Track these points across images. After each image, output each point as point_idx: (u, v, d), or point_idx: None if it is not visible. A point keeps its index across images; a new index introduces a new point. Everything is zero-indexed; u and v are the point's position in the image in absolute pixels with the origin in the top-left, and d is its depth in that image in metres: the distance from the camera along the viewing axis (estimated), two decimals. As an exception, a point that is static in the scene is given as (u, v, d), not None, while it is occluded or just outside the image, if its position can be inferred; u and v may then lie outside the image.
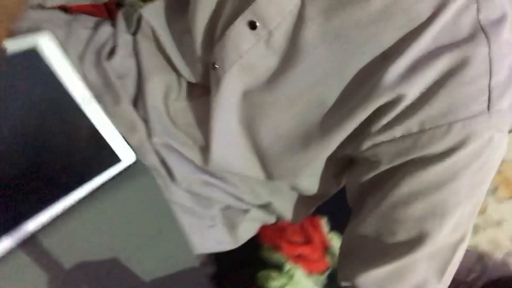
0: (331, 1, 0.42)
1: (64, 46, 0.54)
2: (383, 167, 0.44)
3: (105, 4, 0.72)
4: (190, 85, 0.58)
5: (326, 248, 0.79)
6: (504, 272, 0.94)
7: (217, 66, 0.48)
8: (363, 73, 0.42)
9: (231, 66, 0.47)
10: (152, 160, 0.55)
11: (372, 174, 0.46)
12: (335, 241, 0.82)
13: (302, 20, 0.43)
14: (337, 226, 0.85)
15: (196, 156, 0.56)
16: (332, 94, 0.44)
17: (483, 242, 0.98)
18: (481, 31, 0.40)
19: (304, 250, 0.75)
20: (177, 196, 0.56)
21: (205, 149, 0.54)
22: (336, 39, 0.42)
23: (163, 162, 0.56)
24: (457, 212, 0.43)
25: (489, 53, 0.39)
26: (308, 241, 0.77)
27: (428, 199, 0.42)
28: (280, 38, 0.45)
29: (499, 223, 0.96)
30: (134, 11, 0.59)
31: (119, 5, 0.69)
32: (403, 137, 0.41)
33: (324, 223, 0.83)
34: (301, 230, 0.78)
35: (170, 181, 0.56)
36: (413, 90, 0.40)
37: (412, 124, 0.41)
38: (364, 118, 0.43)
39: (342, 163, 0.51)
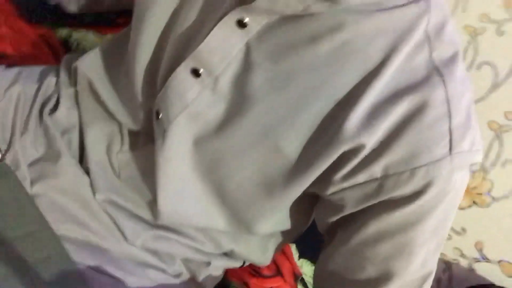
0: (277, 45, 0.41)
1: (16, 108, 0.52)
2: (349, 211, 0.44)
3: (49, 46, 0.69)
4: (133, 134, 0.56)
5: (297, 277, 0.77)
6: (471, 279, 0.96)
7: (161, 116, 0.46)
8: (320, 120, 0.41)
9: (177, 116, 0.45)
10: (102, 219, 0.52)
11: (338, 216, 0.46)
12: (305, 268, 0.81)
13: (248, 65, 0.42)
14: (307, 251, 0.84)
15: (144, 212, 0.53)
16: (288, 143, 0.42)
17: (449, 251, 1.00)
18: (436, 72, 0.40)
19: (274, 283, 0.73)
20: (135, 254, 0.53)
21: (153, 204, 0.51)
22: (286, 84, 0.41)
23: (112, 220, 0.53)
24: (424, 250, 0.43)
25: (446, 95, 0.39)
26: (277, 273, 0.75)
27: (395, 239, 0.43)
28: (226, 84, 0.43)
29: (462, 231, 0.98)
30: (76, 59, 0.56)
31: (66, 44, 0.67)
32: (366, 182, 0.41)
33: (293, 250, 0.82)
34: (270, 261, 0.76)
35: (123, 240, 0.53)
36: (373, 139, 0.39)
37: (375, 170, 0.41)
38: (326, 167, 0.42)
39: (309, 200, 0.51)
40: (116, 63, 0.54)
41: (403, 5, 0.39)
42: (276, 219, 0.51)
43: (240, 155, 0.44)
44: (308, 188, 0.45)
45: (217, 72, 0.43)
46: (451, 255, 0.99)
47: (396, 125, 0.39)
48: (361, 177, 0.41)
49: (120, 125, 0.56)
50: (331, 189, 0.43)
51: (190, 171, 0.48)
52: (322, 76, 0.40)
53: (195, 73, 0.43)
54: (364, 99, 0.39)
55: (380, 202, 0.42)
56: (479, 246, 0.95)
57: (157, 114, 0.46)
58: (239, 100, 0.43)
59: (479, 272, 0.96)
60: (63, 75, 0.57)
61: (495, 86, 0.88)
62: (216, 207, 0.50)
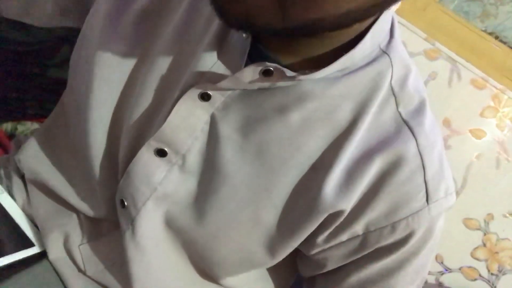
0: (244, 116, 0.40)
1: None
2: (332, 267, 0.45)
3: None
4: (94, 221, 0.51)
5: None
6: (440, 292, 0.99)
7: (127, 204, 0.43)
8: (297, 187, 0.41)
9: (144, 202, 0.42)
10: None
11: (321, 271, 0.47)
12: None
13: (216, 138, 0.40)
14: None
15: None
16: (266, 214, 0.42)
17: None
18: (404, 125, 0.40)
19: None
20: None
21: None
22: (257, 156, 0.40)
23: None
24: None
25: (417, 148, 0.40)
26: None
27: (378, 284, 0.44)
28: (195, 160, 0.41)
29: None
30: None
31: (13, 138, 0.68)
32: (349, 240, 0.42)
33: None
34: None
35: None
36: (352, 203, 0.40)
37: (357, 229, 0.41)
38: (307, 234, 0.42)
39: (293, 257, 0.50)
40: (61, 147, 0.51)
41: (367, 64, 0.39)
42: (259, 278, 0.51)
43: (218, 231, 0.43)
44: (292, 253, 0.45)
45: (184, 149, 0.41)
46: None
47: (373, 184, 0.40)
48: (344, 236, 0.42)
49: (77, 213, 0.51)
50: (314, 250, 0.44)
51: (169, 255, 0.46)
52: (294, 144, 0.40)
53: (160, 153, 0.41)
54: (338, 163, 0.39)
55: (363, 255, 0.43)
56: (439, 259, 1.00)
57: (122, 202, 0.43)
58: (210, 175, 0.41)
59: (446, 283, 0.99)
60: (13, 168, 0.54)
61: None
62: (198, 279, 0.49)
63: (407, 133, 0.40)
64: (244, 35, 0.38)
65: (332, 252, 0.44)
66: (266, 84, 0.38)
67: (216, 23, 0.41)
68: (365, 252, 0.43)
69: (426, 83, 0.95)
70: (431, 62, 0.94)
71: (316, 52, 0.38)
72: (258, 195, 0.41)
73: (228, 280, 0.48)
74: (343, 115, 0.40)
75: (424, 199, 0.40)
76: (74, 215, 0.51)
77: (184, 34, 0.42)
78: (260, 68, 0.37)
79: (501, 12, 0.96)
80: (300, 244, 0.43)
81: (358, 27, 0.36)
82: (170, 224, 0.44)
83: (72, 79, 0.48)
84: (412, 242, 0.42)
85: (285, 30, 0.31)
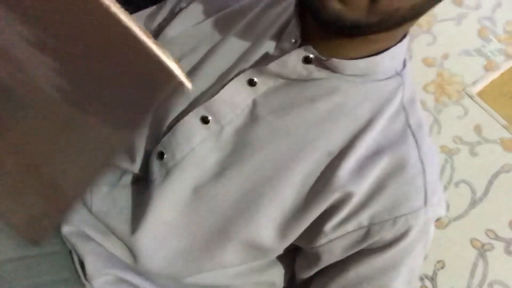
0: (281, 103, 0.47)
1: None
2: (334, 259, 0.48)
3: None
4: (116, 171, 0.56)
5: None
6: None
7: (166, 157, 0.49)
8: (314, 169, 0.46)
9: (182, 158, 0.48)
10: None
11: (322, 266, 0.49)
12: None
13: (254, 118, 0.47)
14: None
15: (114, 247, 0.53)
16: (285, 190, 0.46)
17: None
18: (411, 136, 0.46)
19: None
20: None
21: (130, 241, 0.52)
22: (286, 135, 0.47)
23: (76, 255, 0.53)
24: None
25: (420, 155, 0.46)
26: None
27: (374, 282, 0.47)
28: (231, 133, 0.48)
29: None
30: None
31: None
32: (355, 230, 0.46)
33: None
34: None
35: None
36: (361, 188, 0.44)
37: (362, 219, 0.45)
38: (318, 214, 0.46)
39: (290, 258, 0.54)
40: None
41: (384, 79, 0.48)
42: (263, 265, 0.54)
43: (237, 205, 0.47)
44: (299, 239, 0.48)
45: (225, 121, 0.48)
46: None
47: (380, 177, 0.45)
48: (350, 226, 0.45)
49: None
50: (322, 240, 0.46)
51: (178, 219, 0.49)
52: (319, 131, 0.46)
53: (204, 120, 0.48)
54: (354, 152, 0.45)
55: (362, 249, 0.46)
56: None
57: (161, 155, 0.49)
58: (241, 149, 0.47)
59: None
60: None
61: (473, 203, 0.89)
62: (198, 252, 0.50)
63: (413, 142, 0.46)
64: (293, 39, 0.46)
65: (338, 243, 0.46)
66: (304, 72, 0.46)
67: (283, 19, 0.50)
68: (365, 245, 0.46)
69: (496, 174, 0.86)
70: (507, 153, 0.86)
71: (352, 55, 0.45)
72: (281, 171, 0.46)
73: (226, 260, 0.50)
74: (363, 113, 0.46)
75: (423, 200, 0.45)
76: None
77: (254, 27, 0.51)
78: (303, 54, 0.45)
79: None
80: (310, 233, 0.46)
81: (386, 43, 0.45)
82: (196, 187, 0.48)
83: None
84: (408, 239, 0.45)
85: (366, 26, 0.39)
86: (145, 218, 0.49)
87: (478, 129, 0.92)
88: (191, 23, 0.56)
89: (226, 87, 0.48)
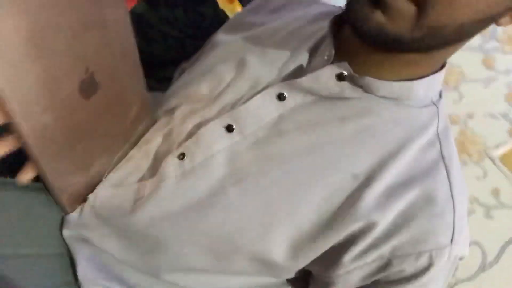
0: (308, 119, 0.46)
1: None
2: (351, 287, 0.46)
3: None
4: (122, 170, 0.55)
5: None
6: None
7: (185, 158, 0.48)
8: (336, 191, 0.44)
9: (201, 162, 0.48)
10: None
11: None
12: None
13: (278, 132, 0.46)
14: None
15: (111, 245, 0.52)
16: (303, 207, 0.44)
17: None
18: (444, 169, 0.44)
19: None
20: None
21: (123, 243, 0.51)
22: (310, 153, 0.45)
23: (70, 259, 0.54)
24: None
25: (451, 190, 0.43)
26: None
27: None
28: (252, 144, 0.47)
29: None
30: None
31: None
32: (374, 261, 0.43)
33: None
34: None
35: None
36: (385, 218, 0.42)
37: (384, 251, 0.43)
38: (337, 241, 0.44)
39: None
40: None
41: (419, 107, 0.45)
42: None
43: (254, 215, 0.45)
44: (313, 265, 0.46)
45: (248, 132, 0.47)
46: None
47: (407, 209, 0.42)
48: (370, 257, 0.43)
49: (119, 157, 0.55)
50: (339, 271, 0.45)
51: (183, 224, 0.48)
52: (345, 152, 0.44)
53: (228, 128, 0.47)
54: (382, 179, 0.42)
55: (379, 279, 0.44)
56: None
57: (181, 155, 0.49)
58: (261, 161, 0.46)
59: None
60: None
61: (483, 267, 0.87)
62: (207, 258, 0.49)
63: (445, 176, 0.44)
64: (326, 56, 0.45)
65: (353, 273, 0.45)
66: (336, 89, 0.45)
67: (318, 36, 0.49)
68: (383, 275, 0.44)
69: (510, 241, 0.84)
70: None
71: (388, 76, 0.44)
72: (301, 189, 0.44)
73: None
74: (393, 139, 0.44)
75: (450, 238, 0.42)
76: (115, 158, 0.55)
77: (287, 42, 0.51)
78: (337, 70, 0.44)
79: None
80: (328, 262, 0.45)
81: (424, 67, 0.44)
82: (209, 194, 0.47)
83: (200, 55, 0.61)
84: (428, 276, 0.43)
85: (409, 41, 0.37)
86: (148, 212, 0.48)
87: (496, 192, 0.91)
88: (229, 37, 0.56)
89: (254, 99, 0.47)
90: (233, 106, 0.49)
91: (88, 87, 0.41)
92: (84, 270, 0.53)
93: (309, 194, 0.44)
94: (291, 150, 0.45)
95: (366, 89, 0.44)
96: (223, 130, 0.47)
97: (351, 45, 0.45)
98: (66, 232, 0.53)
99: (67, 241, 0.53)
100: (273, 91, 0.47)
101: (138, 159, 0.53)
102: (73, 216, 0.52)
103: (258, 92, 0.47)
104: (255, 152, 0.46)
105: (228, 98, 0.50)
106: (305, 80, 0.45)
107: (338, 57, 0.45)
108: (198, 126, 0.49)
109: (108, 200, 0.51)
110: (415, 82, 0.44)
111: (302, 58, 0.49)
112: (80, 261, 0.53)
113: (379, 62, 0.44)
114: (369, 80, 0.43)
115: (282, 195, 0.45)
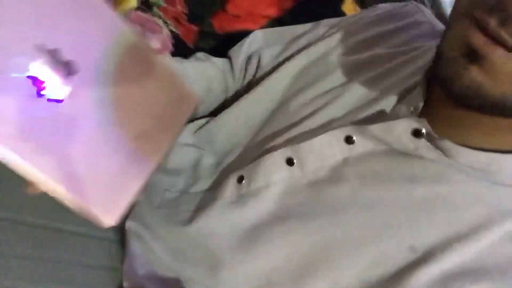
0: (374, 170, 0.42)
1: None
2: None
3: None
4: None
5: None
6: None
7: (243, 182, 0.48)
8: (385, 259, 0.39)
9: (256, 189, 0.47)
10: None
11: None
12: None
13: (337, 176, 0.43)
14: None
15: (163, 253, 0.52)
16: (342, 268, 0.40)
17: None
18: None
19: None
20: None
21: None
22: (367, 209, 0.41)
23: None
24: None
25: None
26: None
27: None
28: (308, 183, 0.45)
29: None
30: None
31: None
32: None
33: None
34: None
35: None
36: None
37: None
38: None
39: None
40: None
41: (509, 186, 0.37)
42: None
43: (290, 258, 0.43)
44: None
45: (307, 170, 0.45)
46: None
47: None
48: None
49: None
50: None
51: (224, 247, 0.47)
52: (406, 218, 0.39)
53: (289, 161, 0.45)
54: (441, 261, 0.36)
55: None
56: None
57: (240, 179, 0.48)
58: (312, 203, 0.43)
59: None
60: None
61: None
62: None
63: None
64: (412, 107, 0.41)
65: None
66: (410, 146, 0.40)
67: (411, 81, 0.44)
68: None
69: None
70: None
71: (475, 142, 0.38)
72: (347, 246, 0.40)
73: None
74: (470, 218, 0.37)
75: None
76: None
77: (381, 81, 0.47)
78: (413, 125, 0.39)
79: None
80: None
81: None
82: (255, 224, 0.46)
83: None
84: None
85: (498, 102, 0.32)
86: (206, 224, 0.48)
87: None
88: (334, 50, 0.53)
89: (320, 137, 0.44)
90: (300, 138, 0.47)
91: None
92: (129, 263, 0.54)
93: (356, 254, 0.39)
94: (347, 200, 0.41)
95: (445, 153, 0.38)
96: (284, 161, 0.46)
97: (438, 99, 0.40)
98: (129, 223, 0.55)
99: (127, 231, 0.55)
100: (342, 133, 0.43)
101: None
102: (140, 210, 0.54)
103: (326, 130, 0.44)
104: (309, 192, 0.44)
105: (302, 127, 0.48)
106: (376, 129, 0.41)
107: (423, 109, 0.41)
108: (267, 151, 0.48)
109: (169, 203, 0.54)
110: (508, 156, 0.37)
111: (387, 104, 0.44)
112: (129, 252, 0.54)
113: (466, 125, 0.38)
114: (448, 145, 0.38)
115: (326, 245, 0.41)
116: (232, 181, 0.49)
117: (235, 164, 0.53)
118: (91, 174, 0.35)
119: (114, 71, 0.38)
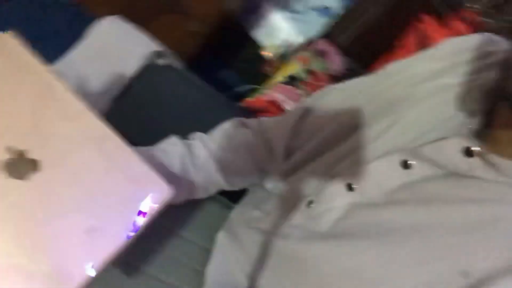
0: (428, 193, 0.41)
1: None
2: None
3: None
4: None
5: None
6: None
7: (312, 205, 0.50)
8: (435, 283, 0.37)
9: (318, 213, 0.49)
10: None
11: None
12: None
13: (392, 200, 0.43)
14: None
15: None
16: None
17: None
18: None
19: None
20: None
21: None
22: (421, 231, 0.39)
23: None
24: None
25: None
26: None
27: None
28: (365, 208, 0.45)
29: None
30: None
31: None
32: None
33: None
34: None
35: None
36: None
37: None
38: None
39: None
40: None
41: None
42: None
43: (340, 276, 0.43)
44: None
45: (366, 195, 0.45)
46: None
47: None
48: None
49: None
50: None
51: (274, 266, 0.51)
52: (460, 240, 0.37)
53: (349, 187, 0.46)
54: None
55: None
56: None
57: (310, 202, 0.50)
58: (366, 224, 0.44)
59: None
60: None
61: None
62: None
63: None
64: (470, 124, 0.41)
65: None
66: (463, 166, 0.39)
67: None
68: None
69: None
70: None
71: None
72: (398, 266, 0.39)
73: None
74: None
75: None
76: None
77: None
78: (463, 143, 0.38)
79: None
80: None
81: None
82: (307, 245, 0.48)
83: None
84: None
85: None
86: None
87: None
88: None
89: (377, 162, 0.45)
90: (367, 159, 0.47)
91: None
92: (212, 269, 0.62)
93: (405, 277, 0.38)
94: (400, 222, 0.41)
95: (503, 172, 0.36)
96: (344, 187, 0.46)
97: (502, 116, 0.38)
98: (221, 234, 0.63)
99: (220, 239, 0.63)
100: (397, 158, 0.43)
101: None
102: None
103: (383, 155, 0.45)
104: (364, 214, 0.44)
105: (368, 152, 0.48)
106: (428, 149, 0.41)
107: (485, 131, 0.39)
108: (332, 175, 0.50)
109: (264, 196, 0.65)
110: None
111: (451, 126, 0.43)
112: (213, 260, 0.62)
113: None
114: (504, 164, 0.36)
115: (374, 265, 0.40)
116: (303, 207, 0.52)
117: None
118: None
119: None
